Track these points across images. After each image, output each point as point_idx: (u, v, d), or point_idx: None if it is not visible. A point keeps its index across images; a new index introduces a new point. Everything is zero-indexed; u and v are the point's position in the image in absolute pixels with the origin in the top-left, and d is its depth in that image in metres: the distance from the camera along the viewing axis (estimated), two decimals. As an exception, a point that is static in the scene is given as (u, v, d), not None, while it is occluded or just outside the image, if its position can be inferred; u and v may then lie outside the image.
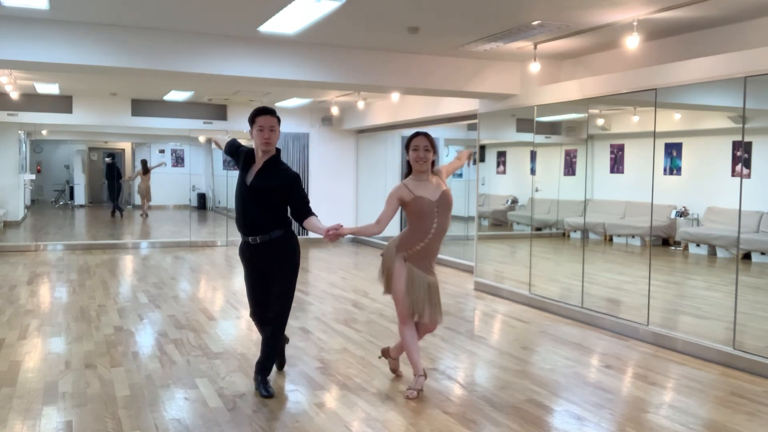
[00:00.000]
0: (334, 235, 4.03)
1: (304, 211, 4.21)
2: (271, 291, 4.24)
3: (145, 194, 17.22)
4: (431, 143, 4.22)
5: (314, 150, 13.16)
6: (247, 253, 4.31)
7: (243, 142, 4.76)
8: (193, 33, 6.22)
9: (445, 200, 4.22)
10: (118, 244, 12.18)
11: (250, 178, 4.19)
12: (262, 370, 4.31)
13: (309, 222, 4.19)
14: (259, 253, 4.23)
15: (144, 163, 17.50)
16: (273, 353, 4.40)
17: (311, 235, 12.75)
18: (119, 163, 19.60)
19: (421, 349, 4.98)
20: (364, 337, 5.75)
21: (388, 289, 4.37)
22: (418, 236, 4.23)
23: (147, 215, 17.14)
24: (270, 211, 4.18)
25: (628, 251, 10.44)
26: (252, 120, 4.20)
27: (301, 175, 4.97)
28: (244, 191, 4.20)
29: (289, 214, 4.29)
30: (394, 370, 4.70)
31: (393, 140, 13.04)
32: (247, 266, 4.37)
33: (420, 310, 4.27)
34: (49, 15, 5.60)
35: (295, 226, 4.35)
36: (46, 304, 7.02)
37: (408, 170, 4.32)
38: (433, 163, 4.27)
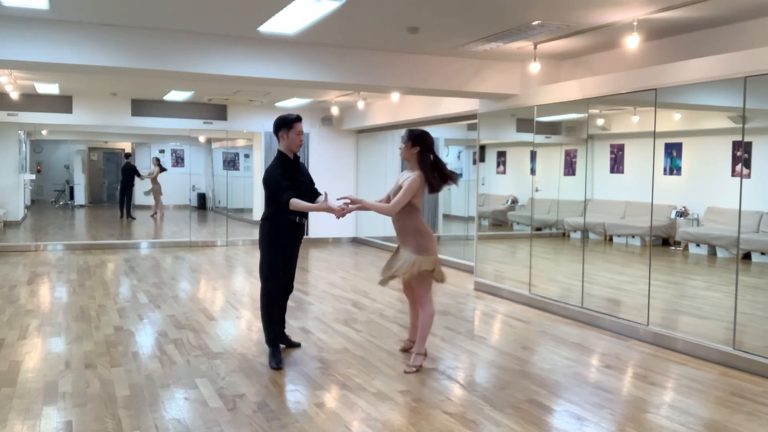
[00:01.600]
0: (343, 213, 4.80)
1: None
2: (291, 262, 5.10)
3: (160, 193, 17.00)
4: (409, 138, 4.84)
5: (314, 150, 13.15)
6: (288, 232, 4.96)
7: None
8: (193, 33, 6.22)
9: (398, 188, 4.80)
10: (117, 244, 12.18)
11: (302, 176, 5.03)
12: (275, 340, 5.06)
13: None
14: (294, 231, 4.98)
15: (157, 161, 17.36)
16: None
17: (312, 234, 12.76)
18: (120, 161, 19.37)
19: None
20: (364, 337, 5.75)
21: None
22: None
23: (156, 215, 17.01)
24: (309, 200, 5.08)
25: (628, 251, 10.44)
26: (290, 125, 4.91)
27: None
28: (303, 186, 4.99)
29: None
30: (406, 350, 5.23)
31: (393, 140, 13.02)
32: (279, 243, 4.95)
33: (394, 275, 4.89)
34: (49, 15, 5.60)
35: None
36: (46, 304, 7.02)
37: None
38: (421, 155, 4.79)
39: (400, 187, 4.76)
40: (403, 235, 4.85)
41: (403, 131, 4.87)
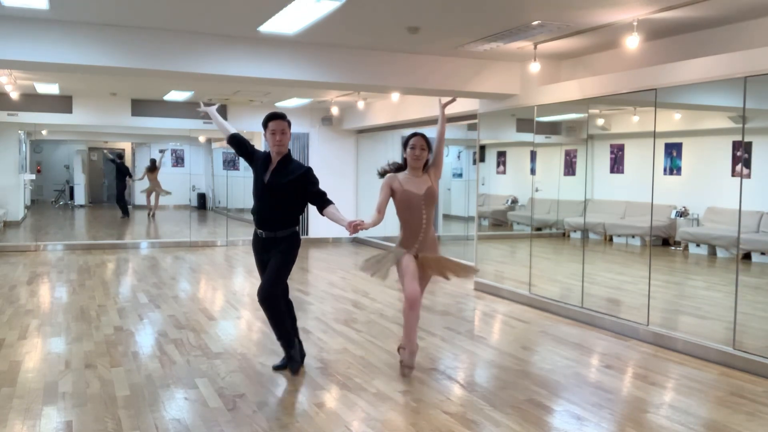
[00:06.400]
0: (358, 229, 4.28)
1: (321, 200, 4.53)
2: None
3: (157, 192, 17.08)
4: (427, 143, 4.68)
5: (314, 150, 13.15)
6: (255, 244, 4.74)
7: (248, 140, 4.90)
8: (193, 33, 6.22)
9: (430, 195, 4.64)
10: (117, 244, 12.18)
11: (266, 177, 4.57)
12: (285, 346, 4.68)
13: (328, 212, 4.49)
14: (263, 245, 4.64)
15: (153, 162, 17.41)
16: (278, 329, 4.63)
17: (312, 234, 12.76)
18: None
19: (421, 349, 5.01)
20: (364, 337, 5.75)
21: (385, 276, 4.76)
22: (414, 231, 4.64)
23: (154, 215, 17.04)
24: (282, 209, 4.56)
25: (628, 251, 10.44)
26: (265, 124, 4.56)
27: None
28: (260, 189, 4.60)
29: (300, 214, 4.71)
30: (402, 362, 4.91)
31: (393, 140, 13.03)
32: (255, 255, 4.77)
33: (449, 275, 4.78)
34: (49, 15, 5.60)
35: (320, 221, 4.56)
36: (46, 304, 7.02)
37: (403, 165, 4.75)
38: (426, 162, 4.70)
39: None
40: (434, 239, 4.82)
41: (404, 133, 4.88)
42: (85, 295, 7.49)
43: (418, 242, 4.62)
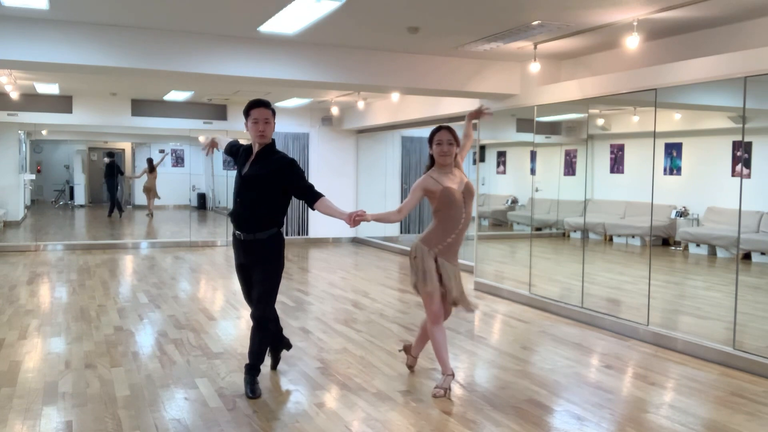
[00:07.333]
0: (358, 221, 4.01)
1: (311, 194, 4.12)
2: (253, 290, 4.29)
3: (153, 193, 17.20)
4: (454, 137, 4.28)
5: (314, 150, 13.15)
6: (235, 248, 4.33)
7: (242, 142, 4.76)
8: (193, 33, 6.22)
9: (469, 190, 4.30)
10: (118, 244, 12.18)
11: (245, 169, 4.19)
12: (249, 369, 4.30)
13: (322, 205, 4.09)
14: (242, 249, 4.24)
15: (150, 161, 17.47)
16: (257, 352, 4.30)
17: (311, 234, 12.75)
18: (119, 161, 19.40)
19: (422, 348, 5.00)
20: (364, 337, 5.75)
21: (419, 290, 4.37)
22: (449, 229, 4.26)
23: (152, 215, 17.09)
24: (262, 205, 4.12)
25: (628, 251, 10.45)
26: (247, 113, 4.20)
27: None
28: (238, 183, 4.21)
29: (282, 214, 4.30)
30: (411, 367, 4.80)
31: (393, 140, 13.04)
32: (235, 260, 4.38)
33: (455, 299, 4.33)
34: (49, 15, 5.60)
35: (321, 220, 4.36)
36: (46, 304, 7.02)
37: (431, 163, 4.36)
38: (455, 157, 4.35)
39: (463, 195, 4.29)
40: (460, 245, 4.39)
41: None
42: (85, 295, 7.49)
43: (446, 244, 4.24)
